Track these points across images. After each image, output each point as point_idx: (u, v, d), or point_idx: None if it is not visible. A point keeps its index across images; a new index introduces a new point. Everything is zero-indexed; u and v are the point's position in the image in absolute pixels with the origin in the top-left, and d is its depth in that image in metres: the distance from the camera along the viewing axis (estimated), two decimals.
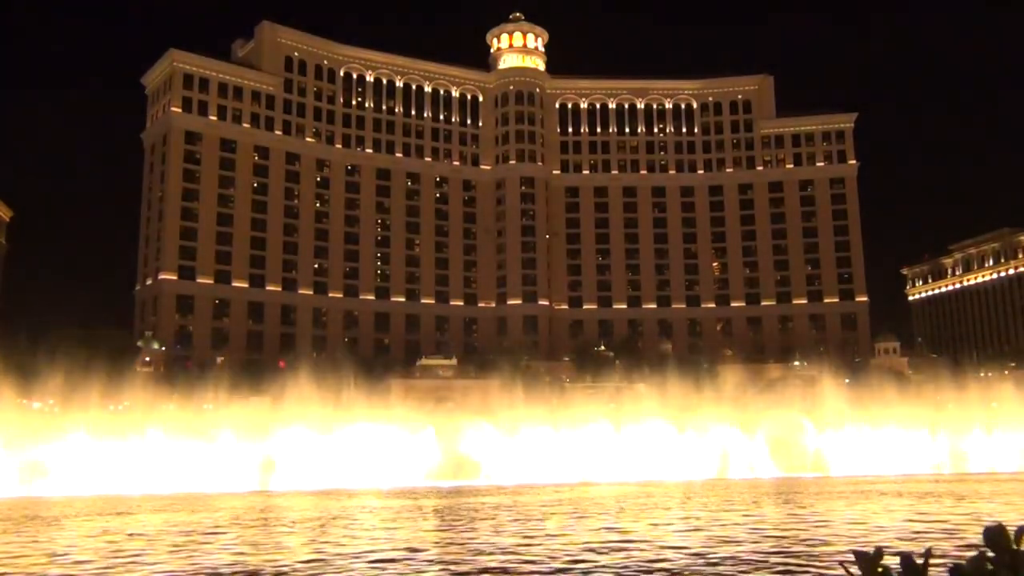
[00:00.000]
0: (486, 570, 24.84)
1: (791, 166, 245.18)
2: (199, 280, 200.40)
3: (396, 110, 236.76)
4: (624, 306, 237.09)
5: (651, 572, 23.45)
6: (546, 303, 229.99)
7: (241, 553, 30.39)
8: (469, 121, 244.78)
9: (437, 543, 33.03)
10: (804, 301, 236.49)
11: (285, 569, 25.62)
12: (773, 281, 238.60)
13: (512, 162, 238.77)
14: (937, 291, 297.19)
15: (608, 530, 36.27)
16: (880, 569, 5.15)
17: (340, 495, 70.59)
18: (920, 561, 5.13)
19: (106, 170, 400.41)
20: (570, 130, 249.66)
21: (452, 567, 25.61)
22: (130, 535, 38.43)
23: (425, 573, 24.58)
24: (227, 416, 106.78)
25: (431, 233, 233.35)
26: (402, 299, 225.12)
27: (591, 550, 28.58)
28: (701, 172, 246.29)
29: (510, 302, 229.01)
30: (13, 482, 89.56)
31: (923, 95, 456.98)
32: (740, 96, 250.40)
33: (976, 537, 26.94)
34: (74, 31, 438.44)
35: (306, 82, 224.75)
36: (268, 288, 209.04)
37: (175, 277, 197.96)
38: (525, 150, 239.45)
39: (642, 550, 28.50)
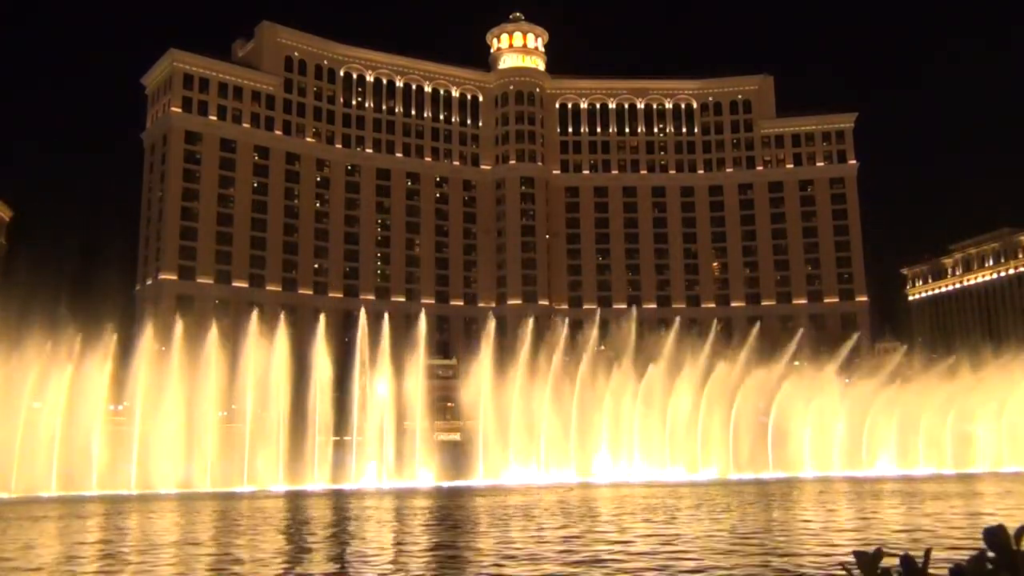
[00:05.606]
0: None
1: (791, 166, 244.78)
2: (199, 280, 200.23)
3: (396, 110, 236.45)
4: (624, 306, 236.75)
5: None
6: (546, 303, 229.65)
7: None
8: (469, 121, 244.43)
9: None
10: (804, 301, 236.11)
11: None
12: (773, 281, 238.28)
13: (512, 162, 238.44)
14: (937, 291, 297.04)
15: None
16: (880, 570, 5.13)
17: None
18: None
19: (106, 170, 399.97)
20: (570, 130, 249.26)
21: None
22: None
23: None
24: None
25: (431, 233, 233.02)
26: (402, 299, 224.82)
27: None
28: (701, 172, 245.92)
29: (510, 302, 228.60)
30: None
31: (923, 95, 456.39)
32: (740, 96, 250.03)
33: None
34: (74, 31, 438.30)
35: (306, 82, 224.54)
36: (268, 288, 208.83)
37: (175, 277, 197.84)
38: (525, 150, 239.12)
39: None
